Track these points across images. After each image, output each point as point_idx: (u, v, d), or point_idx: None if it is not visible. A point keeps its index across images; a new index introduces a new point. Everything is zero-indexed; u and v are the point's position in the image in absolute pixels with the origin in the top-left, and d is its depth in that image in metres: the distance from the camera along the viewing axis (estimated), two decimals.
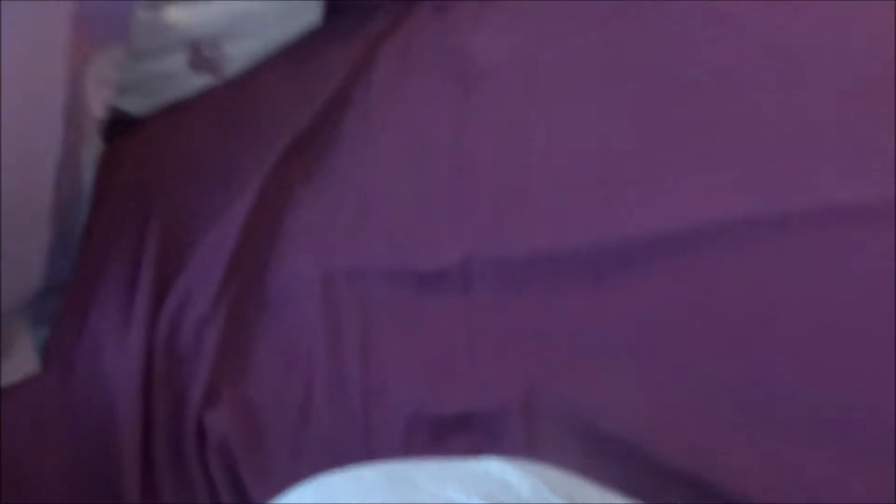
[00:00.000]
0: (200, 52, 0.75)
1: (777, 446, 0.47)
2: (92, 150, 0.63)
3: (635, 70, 0.68)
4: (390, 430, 0.50)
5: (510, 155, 0.64)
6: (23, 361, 0.54)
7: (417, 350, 0.54)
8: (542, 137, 0.65)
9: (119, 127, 0.72)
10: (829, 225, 0.55)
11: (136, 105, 0.74)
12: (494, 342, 0.54)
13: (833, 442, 0.47)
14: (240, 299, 0.56)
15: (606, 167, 0.61)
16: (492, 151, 0.65)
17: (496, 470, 0.32)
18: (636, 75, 0.67)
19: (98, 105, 0.63)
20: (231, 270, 0.57)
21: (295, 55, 0.80)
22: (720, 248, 0.55)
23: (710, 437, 0.48)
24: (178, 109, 0.75)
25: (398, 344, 0.55)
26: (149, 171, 0.67)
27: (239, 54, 0.77)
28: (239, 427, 0.50)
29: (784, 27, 0.68)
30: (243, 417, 0.51)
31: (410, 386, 0.52)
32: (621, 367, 0.52)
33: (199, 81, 0.76)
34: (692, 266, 0.55)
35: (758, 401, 0.49)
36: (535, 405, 0.50)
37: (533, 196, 0.61)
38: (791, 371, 0.50)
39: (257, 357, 0.54)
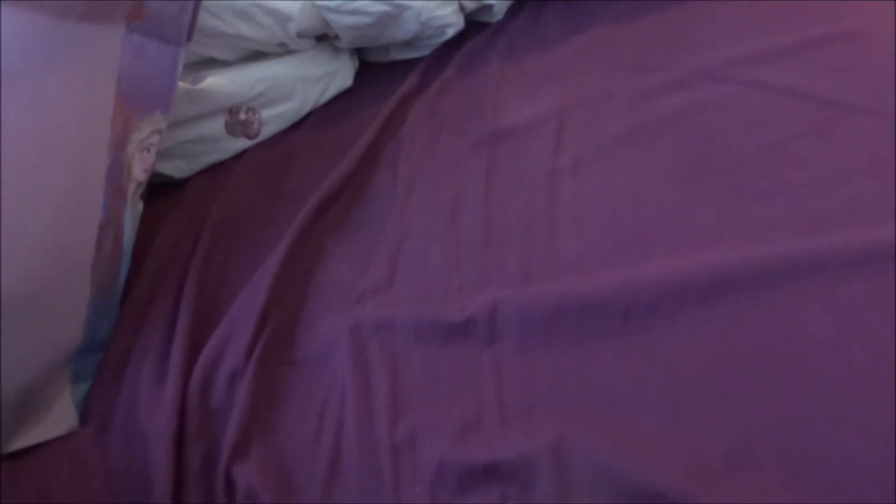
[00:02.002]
0: (237, 117, 0.78)
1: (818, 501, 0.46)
2: (133, 211, 0.66)
3: (665, 132, 0.68)
4: (418, 481, 0.50)
5: (538, 210, 0.65)
6: (63, 416, 0.56)
7: (446, 403, 0.54)
8: (571, 193, 0.66)
9: (160, 189, 0.76)
10: (860, 268, 0.54)
11: (176, 169, 0.77)
12: (523, 393, 0.54)
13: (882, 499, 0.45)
14: (270, 354, 0.57)
15: (635, 222, 0.62)
16: (520, 207, 0.66)
17: None
18: (666, 139, 0.68)
19: (140, 169, 0.66)
20: (262, 326, 0.58)
21: (327, 115, 0.84)
22: (751, 295, 0.54)
23: (747, 491, 0.47)
24: (216, 172, 0.79)
25: (427, 397, 0.55)
26: (186, 232, 0.70)
27: (274, 117, 0.81)
28: (268, 481, 0.50)
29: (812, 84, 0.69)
30: (273, 471, 0.51)
31: (439, 439, 0.52)
32: (653, 418, 0.51)
33: (236, 145, 0.79)
34: (722, 314, 0.54)
35: (797, 454, 0.48)
36: (564, 456, 0.50)
37: (560, 249, 0.62)
38: (830, 420, 0.49)
39: (287, 411, 0.54)
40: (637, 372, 0.53)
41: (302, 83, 0.81)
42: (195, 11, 0.68)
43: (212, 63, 0.78)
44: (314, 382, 0.56)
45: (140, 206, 0.68)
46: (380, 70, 0.89)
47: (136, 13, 0.59)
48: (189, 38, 0.68)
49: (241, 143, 0.79)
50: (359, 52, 0.89)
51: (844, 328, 0.52)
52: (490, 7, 0.88)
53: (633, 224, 0.62)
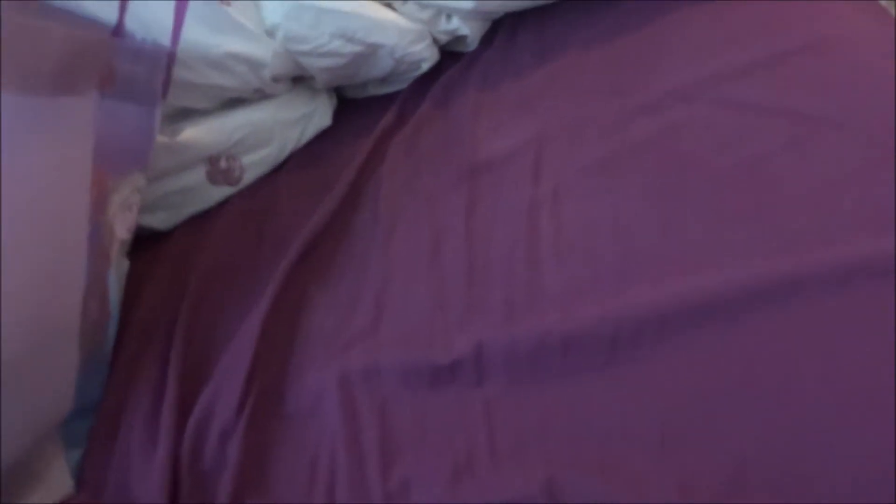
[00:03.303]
0: (218, 166, 0.79)
1: None
2: (118, 270, 0.66)
3: (641, 157, 0.68)
4: None
5: (520, 243, 0.66)
6: (58, 483, 0.56)
7: (437, 447, 0.54)
8: (551, 224, 0.66)
9: (146, 242, 0.76)
10: (841, 285, 0.54)
11: (160, 221, 0.78)
12: (513, 433, 0.54)
13: None
14: (260, 409, 0.57)
15: (616, 251, 0.62)
16: (501, 240, 0.67)
17: None
18: (644, 163, 0.68)
19: (123, 228, 0.66)
20: (250, 381, 0.58)
21: (308, 156, 0.84)
22: (734, 318, 0.55)
23: None
24: (201, 220, 0.79)
25: (417, 443, 0.55)
26: (172, 285, 0.70)
27: (254, 163, 0.81)
28: None
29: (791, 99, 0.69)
30: None
31: (431, 485, 0.52)
32: (643, 451, 0.51)
33: (219, 193, 0.80)
34: (706, 340, 0.55)
35: (788, 479, 0.48)
36: (557, 496, 0.50)
37: (543, 282, 0.62)
38: (819, 443, 0.49)
39: (279, 466, 0.55)
40: (625, 404, 0.54)
41: (280, 126, 0.82)
42: (168, 70, 0.68)
43: (189, 113, 0.79)
44: (305, 435, 0.56)
45: (125, 263, 0.69)
46: (358, 106, 0.90)
47: (108, 80, 0.60)
48: (164, 96, 0.69)
49: (224, 191, 0.80)
50: (336, 90, 0.90)
51: (829, 347, 0.52)
52: (464, 38, 0.89)
53: (614, 253, 0.62)
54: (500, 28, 0.91)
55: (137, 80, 0.64)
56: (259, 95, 0.81)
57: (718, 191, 0.63)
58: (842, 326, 0.53)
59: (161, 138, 0.73)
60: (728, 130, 0.68)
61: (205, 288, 0.69)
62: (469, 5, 0.83)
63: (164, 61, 0.67)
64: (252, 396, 0.57)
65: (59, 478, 0.57)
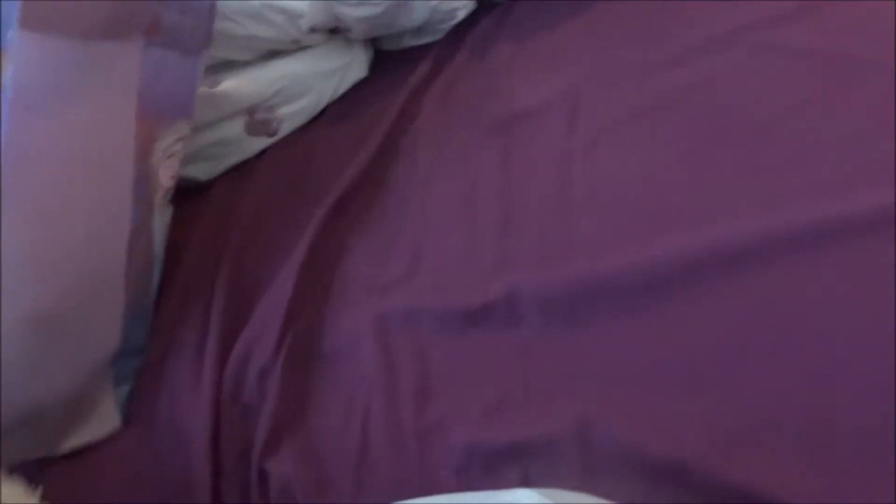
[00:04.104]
0: (256, 117, 0.80)
1: (837, 475, 0.46)
2: (163, 217, 0.69)
3: (675, 107, 0.68)
4: (445, 465, 0.52)
5: (554, 191, 0.66)
6: (106, 419, 0.59)
7: (470, 387, 0.56)
8: (585, 174, 0.66)
9: (188, 192, 0.78)
10: (871, 231, 0.54)
11: (201, 171, 0.80)
12: (545, 374, 0.55)
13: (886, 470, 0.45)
14: (297, 350, 0.59)
15: (648, 199, 0.62)
16: (536, 189, 0.67)
17: (525, 500, 0.33)
18: (679, 113, 0.67)
19: (166, 176, 0.68)
20: (288, 323, 0.60)
21: (344, 108, 0.85)
22: (764, 264, 0.55)
23: (766, 462, 0.48)
24: (240, 172, 0.81)
25: (451, 383, 0.56)
26: (215, 234, 0.72)
27: (292, 114, 0.82)
28: (300, 472, 0.53)
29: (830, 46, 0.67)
30: (304, 463, 0.54)
31: (464, 423, 0.54)
32: (672, 393, 0.52)
33: (257, 144, 0.81)
34: (736, 285, 0.55)
35: (814, 421, 0.48)
36: (587, 434, 0.51)
37: (576, 229, 0.62)
38: (846, 385, 0.49)
39: (315, 404, 0.57)
40: (654, 349, 0.54)
41: (317, 78, 0.83)
42: (212, 19, 0.69)
43: (228, 64, 0.80)
44: (341, 375, 0.58)
45: (169, 211, 0.71)
46: (394, 57, 0.90)
47: (155, 27, 0.61)
48: (207, 46, 0.70)
49: (262, 142, 0.82)
50: (373, 41, 0.90)
51: (859, 292, 0.52)
52: None
53: (646, 201, 0.62)
54: None
55: (183, 27, 0.65)
56: (296, 46, 0.82)
57: (751, 140, 0.62)
58: (869, 271, 0.52)
59: (202, 89, 0.74)
60: (765, 77, 0.67)
61: (245, 236, 0.71)
62: None
63: (208, 12, 0.68)
64: (289, 337, 0.59)
65: (107, 412, 0.60)
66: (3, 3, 0.53)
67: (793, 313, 0.52)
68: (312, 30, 0.80)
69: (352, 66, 0.86)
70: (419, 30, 0.88)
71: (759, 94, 0.66)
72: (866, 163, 0.57)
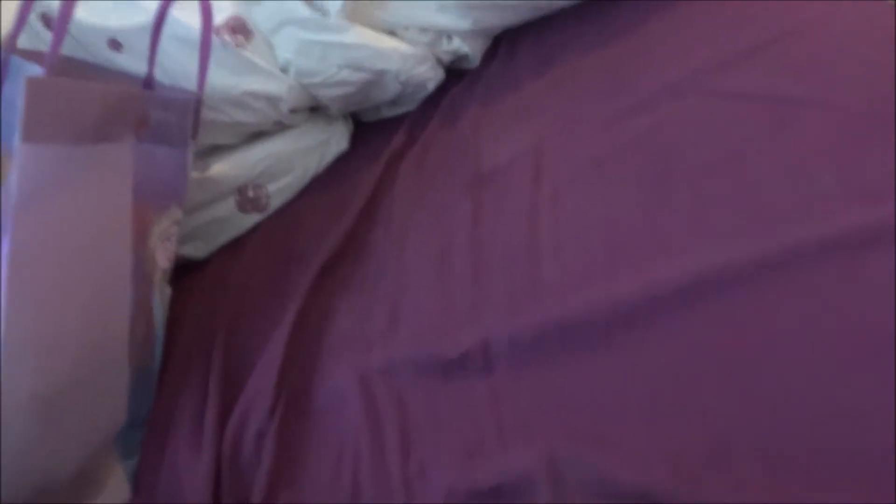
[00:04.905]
0: (246, 195, 0.86)
1: (796, 491, 0.49)
2: (162, 296, 0.74)
3: (633, 153, 0.73)
4: None
5: (521, 241, 0.70)
6: (117, 490, 0.63)
7: (450, 433, 0.59)
8: (550, 223, 0.71)
9: (186, 269, 0.84)
10: (820, 258, 0.58)
11: (198, 249, 0.85)
12: (518, 415, 0.59)
13: (851, 486, 0.48)
14: (290, 410, 0.63)
15: (609, 241, 0.66)
16: (505, 240, 0.72)
17: None
18: (636, 159, 0.72)
19: (164, 258, 0.73)
20: (280, 385, 0.64)
21: (328, 179, 0.91)
22: (719, 297, 0.58)
23: (732, 486, 0.51)
24: (234, 246, 0.86)
25: (433, 430, 0.60)
26: (211, 306, 0.77)
27: (279, 190, 0.88)
28: None
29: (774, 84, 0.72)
30: None
31: (446, 467, 0.57)
32: (637, 423, 0.55)
33: (249, 220, 0.87)
34: (694, 318, 0.58)
35: (774, 443, 0.51)
36: (559, 471, 0.54)
37: (543, 276, 0.67)
38: (802, 406, 0.52)
39: (308, 460, 0.60)
40: (619, 382, 0.58)
41: (300, 154, 0.89)
42: (197, 113, 0.76)
43: (216, 148, 0.86)
44: (331, 430, 0.62)
45: (168, 290, 0.76)
46: (373, 128, 0.96)
47: (143, 124, 0.67)
48: (194, 137, 0.76)
49: (254, 218, 0.87)
50: (352, 114, 0.96)
51: (811, 318, 0.55)
52: (466, 56, 0.94)
53: (607, 243, 0.66)
54: (501, 44, 0.97)
55: (170, 124, 0.71)
56: (279, 127, 0.88)
57: (704, 178, 0.67)
58: (821, 298, 0.56)
59: (194, 174, 0.80)
60: (714, 121, 0.72)
61: (238, 306, 0.76)
62: (466, 24, 0.89)
63: (192, 106, 0.74)
64: (283, 398, 0.63)
65: (117, 485, 0.64)
66: (2, 112, 0.59)
67: (749, 340, 0.56)
68: (293, 111, 0.86)
69: (333, 141, 0.92)
70: (394, 101, 0.95)
71: (708, 136, 0.71)
72: (809, 196, 0.62)
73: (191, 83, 0.76)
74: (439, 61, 0.93)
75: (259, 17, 0.83)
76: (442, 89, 0.94)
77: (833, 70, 0.71)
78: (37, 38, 0.77)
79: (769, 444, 0.51)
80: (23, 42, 0.66)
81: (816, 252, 0.58)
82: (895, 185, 0.59)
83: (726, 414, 0.54)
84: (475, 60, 0.95)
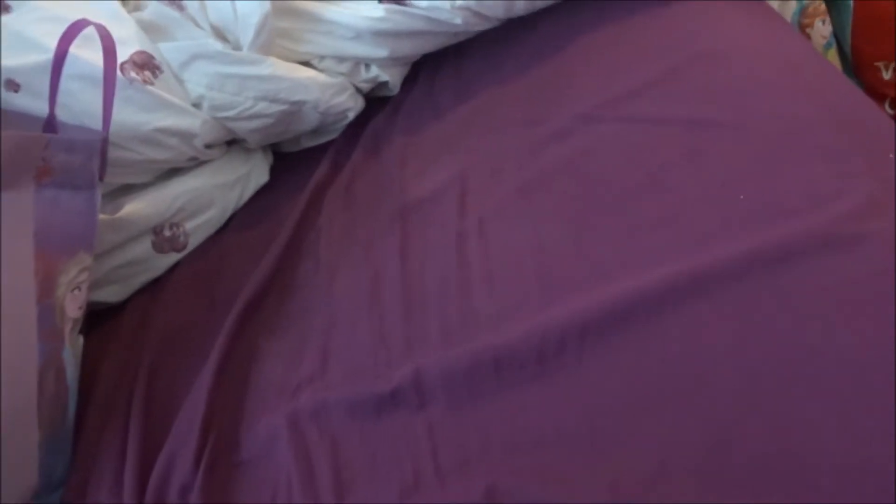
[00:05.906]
0: (162, 235, 0.82)
1: None
2: (74, 347, 0.70)
3: (556, 180, 0.73)
4: None
5: (451, 273, 0.70)
6: None
7: (385, 472, 0.58)
8: (479, 252, 0.70)
9: (102, 315, 0.80)
10: (743, 278, 0.58)
11: (112, 294, 0.81)
12: (455, 449, 0.57)
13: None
14: (217, 460, 0.60)
15: (538, 270, 0.66)
16: (434, 272, 0.71)
17: None
18: (559, 185, 0.73)
19: (73, 308, 0.69)
20: (205, 434, 0.61)
21: (250, 214, 0.88)
22: (647, 321, 0.59)
23: None
24: (153, 288, 0.82)
25: (368, 470, 0.58)
26: (130, 354, 0.73)
27: (198, 227, 0.85)
28: None
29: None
30: None
31: None
32: (575, 453, 0.55)
33: (166, 260, 0.83)
34: (624, 343, 0.58)
35: (710, 464, 0.52)
36: (499, 502, 0.53)
37: (475, 306, 0.66)
38: (736, 425, 0.52)
39: None
40: (556, 411, 0.57)
41: (219, 190, 0.86)
42: (104, 153, 0.72)
43: (128, 188, 0.83)
44: (261, 479, 0.59)
45: (80, 340, 0.72)
46: (295, 158, 0.94)
47: (45, 171, 0.64)
48: (101, 178, 0.72)
49: (172, 258, 0.84)
50: (272, 145, 0.94)
51: (738, 336, 0.56)
52: (386, 83, 0.94)
53: (536, 272, 0.66)
54: (421, 69, 0.97)
55: (74, 167, 0.67)
56: (195, 163, 0.85)
57: (626, 202, 0.68)
58: (749, 313, 0.57)
59: (103, 216, 0.76)
60: (631, 146, 0.73)
61: (160, 353, 0.72)
62: (383, 53, 0.88)
63: (98, 147, 0.71)
64: (208, 448, 0.60)
65: None
66: None
67: (682, 361, 0.56)
68: (208, 146, 0.84)
69: (252, 174, 0.90)
70: (315, 131, 0.93)
71: (627, 161, 0.71)
72: (730, 215, 0.63)
73: (96, 122, 0.73)
74: (358, 90, 0.92)
75: (168, 51, 0.80)
76: (364, 116, 0.93)
77: (744, 94, 0.73)
78: None
79: (707, 465, 0.52)
80: None
81: (742, 269, 0.59)
82: (811, 200, 0.61)
83: (662, 436, 0.54)
84: (395, 88, 0.94)
